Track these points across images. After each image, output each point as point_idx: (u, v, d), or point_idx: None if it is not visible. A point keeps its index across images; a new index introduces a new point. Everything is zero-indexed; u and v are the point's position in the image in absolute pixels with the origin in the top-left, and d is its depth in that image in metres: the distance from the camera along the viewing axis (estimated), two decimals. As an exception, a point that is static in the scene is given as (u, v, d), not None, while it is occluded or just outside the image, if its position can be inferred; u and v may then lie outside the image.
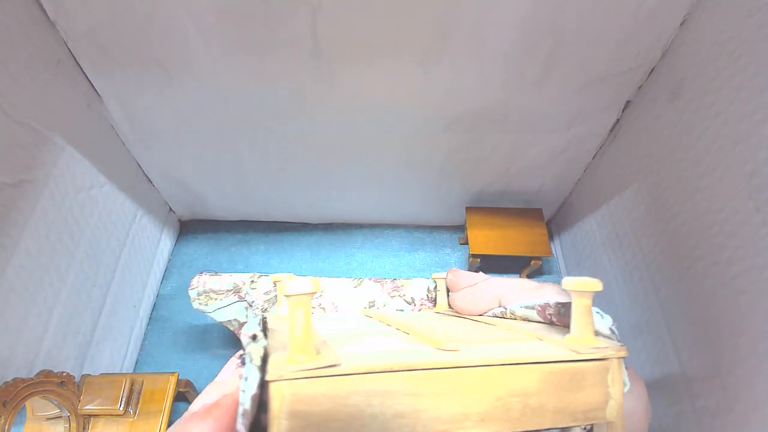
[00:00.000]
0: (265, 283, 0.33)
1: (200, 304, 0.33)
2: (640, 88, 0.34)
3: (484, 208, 0.48)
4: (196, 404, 0.16)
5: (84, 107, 0.35)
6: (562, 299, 0.20)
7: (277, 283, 0.32)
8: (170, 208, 0.51)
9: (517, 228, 0.46)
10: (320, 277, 0.34)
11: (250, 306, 0.33)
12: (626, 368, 0.19)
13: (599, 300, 0.41)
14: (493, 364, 0.14)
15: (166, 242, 0.50)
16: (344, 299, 0.33)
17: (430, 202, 0.49)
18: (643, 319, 0.35)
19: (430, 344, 0.16)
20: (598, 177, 0.42)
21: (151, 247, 0.48)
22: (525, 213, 0.47)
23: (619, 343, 0.15)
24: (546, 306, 0.18)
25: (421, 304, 0.34)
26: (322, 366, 0.12)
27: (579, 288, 0.15)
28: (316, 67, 0.32)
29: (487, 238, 0.45)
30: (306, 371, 0.12)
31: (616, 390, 0.15)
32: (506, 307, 0.22)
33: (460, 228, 0.53)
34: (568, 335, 0.16)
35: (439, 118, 0.37)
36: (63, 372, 0.32)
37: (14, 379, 0.29)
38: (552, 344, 0.16)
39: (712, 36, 0.27)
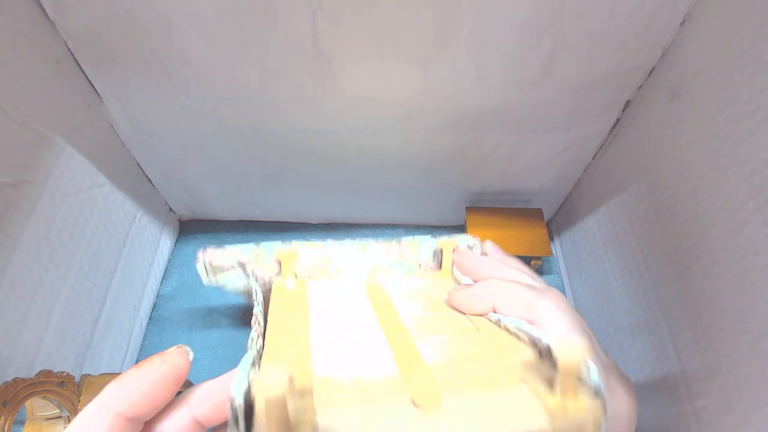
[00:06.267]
0: (268, 259, 0.32)
1: (209, 279, 0.33)
2: (640, 88, 0.34)
3: (484, 208, 0.48)
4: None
5: (84, 107, 0.35)
6: (558, 319, 0.20)
7: (282, 259, 0.31)
8: (170, 208, 0.51)
9: (517, 228, 0.46)
10: (327, 240, 0.32)
11: (255, 278, 0.32)
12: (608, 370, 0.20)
13: (600, 300, 0.41)
14: None
15: (166, 242, 0.50)
16: (350, 266, 0.32)
17: (430, 202, 0.49)
18: (643, 319, 0.35)
19: (410, 392, 0.16)
20: (598, 177, 0.42)
21: (151, 247, 0.48)
22: (525, 213, 0.47)
23: (601, 404, 0.15)
24: (538, 340, 0.18)
25: (427, 267, 0.33)
26: None
27: (566, 359, 0.15)
28: (316, 67, 0.32)
29: (487, 238, 0.45)
30: None
31: None
32: (500, 318, 0.22)
33: (460, 228, 0.53)
34: (551, 395, 0.15)
35: (439, 118, 0.37)
36: (63, 372, 0.32)
37: (14, 379, 0.29)
38: (531, 398, 0.16)
39: (712, 36, 0.27)
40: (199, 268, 0.32)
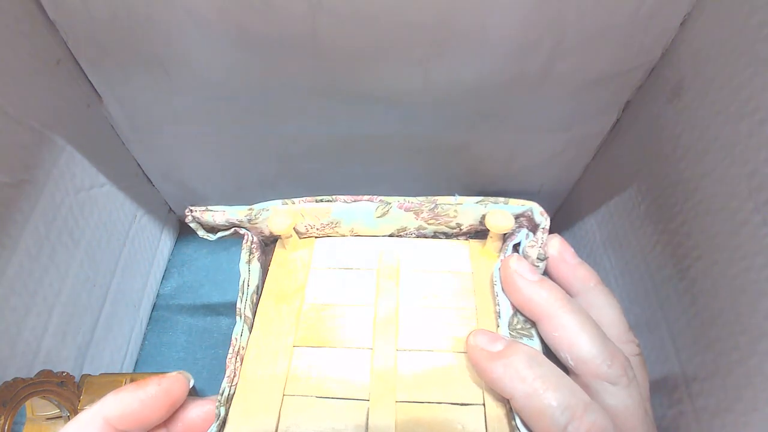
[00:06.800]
0: (264, 224, 0.28)
1: (204, 234, 0.29)
2: (640, 88, 0.34)
3: (484, 208, 0.47)
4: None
5: (84, 107, 0.35)
6: None
7: (281, 234, 0.27)
8: (170, 208, 0.51)
9: (517, 228, 0.46)
10: (337, 202, 0.27)
11: (250, 250, 0.28)
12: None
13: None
14: None
15: (166, 242, 0.50)
16: (365, 229, 0.28)
17: (430, 202, 0.49)
18: (643, 319, 0.35)
19: None
20: (598, 177, 0.42)
21: (151, 247, 0.48)
22: (525, 213, 0.47)
23: None
24: None
25: (469, 229, 0.28)
26: None
27: None
28: (315, 66, 0.32)
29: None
30: None
31: None
32: (515, 421, 0.18)
33: (460, 228, 0.53)
34: None
35: (438, 118, 0.37)
36: (63, 372, 0.32)
37: (14, 379, 0.29)
38: None
39: (712, 36, 0.27)
40: (192, 225, 0.28)
